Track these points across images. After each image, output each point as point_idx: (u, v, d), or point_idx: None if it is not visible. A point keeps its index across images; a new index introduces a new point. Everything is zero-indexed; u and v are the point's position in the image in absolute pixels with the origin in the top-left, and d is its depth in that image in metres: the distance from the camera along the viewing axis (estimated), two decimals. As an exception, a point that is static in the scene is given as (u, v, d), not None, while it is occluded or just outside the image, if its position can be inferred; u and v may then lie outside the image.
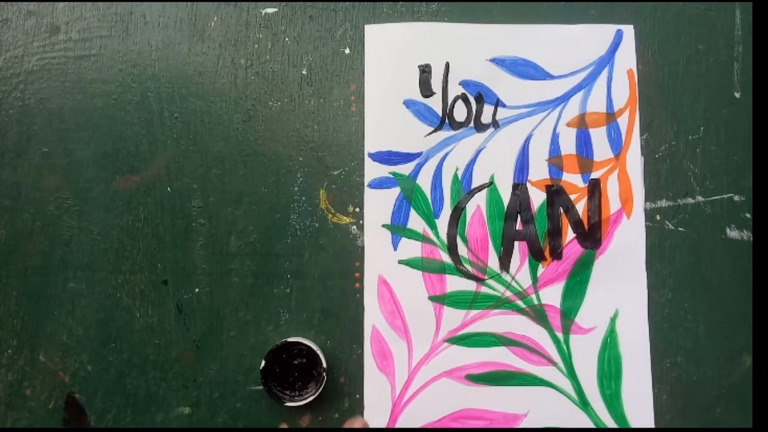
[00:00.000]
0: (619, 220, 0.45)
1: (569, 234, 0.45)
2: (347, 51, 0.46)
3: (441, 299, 0.44)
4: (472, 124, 0.45)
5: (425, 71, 0.45)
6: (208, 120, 0.45)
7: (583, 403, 0.43)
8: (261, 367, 0.41)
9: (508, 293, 0.44)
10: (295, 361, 0.42)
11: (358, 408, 0.43)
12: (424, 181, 0.45)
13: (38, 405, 0.43)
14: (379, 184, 0.45)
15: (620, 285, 0.44)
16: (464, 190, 0.45)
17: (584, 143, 0.45)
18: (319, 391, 0.41)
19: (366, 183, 0.45)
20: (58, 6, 0.46)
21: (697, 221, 0.45)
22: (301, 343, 0.42)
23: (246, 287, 0.44)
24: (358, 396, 0.43)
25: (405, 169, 0.45)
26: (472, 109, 0.45)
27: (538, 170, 0.45)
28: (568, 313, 0.44)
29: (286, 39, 0.46)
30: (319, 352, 0.41)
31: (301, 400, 0.41)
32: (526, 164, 0.45)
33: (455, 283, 0.44)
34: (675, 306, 0.44)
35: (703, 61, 0.46)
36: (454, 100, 0.45)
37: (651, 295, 0.44)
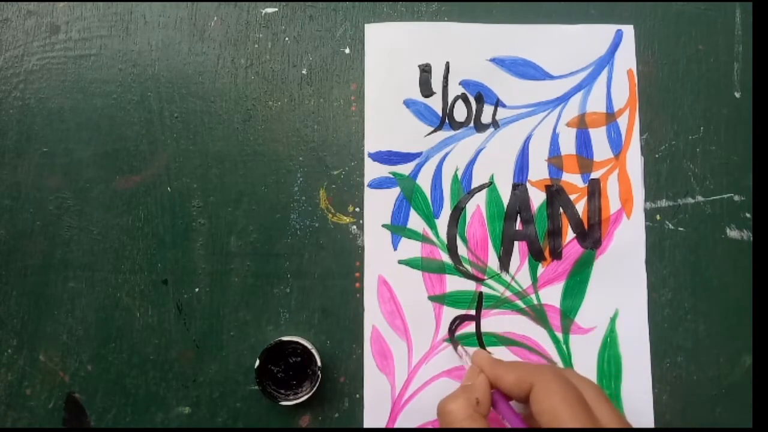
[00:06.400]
0: (619, 220, 0.45)
1: (569, 234, 0.45)
2: (347, 51, 0.46)
3: (441, 299, 0.44)
4: (472, 124, 0.45)
5: (425, 71, 0.45)
6: (208, 120, 0.45)
7: (583, 403, 0.43)
8: (255, 367, 0.41)
9: (508, 293, 0.44)
10: (290, 360, 0.42)
11: (358, 407, 0.43)
12: (424, 181, 0.45)
13: (38, 405, 0.43)
14: (379, 184, 0.45)
15: (620, 285, 0.44)
16: (464, 190, 0.45)
17: (584, 143, 0.45)
18: (314, 389, 0.41)
19: (366, 183, 0.45)
20: (58, 6, 0.46)
21: (697, 221, 0.45)
22: (296, 342, 0.42)
23: (246, 287, 0.44)
24: (358, 396, 0.43)
25: (405, 169, 0.45)
26: (472, 109, 0.45)
27: (538, 170, 0.45)
28: (567, 313, 0.44)
29: (286, 39, 0.46)
30: (313, 350, 0.41)
31: (296, 399, 0.41)
32: (526, 164, 0.45)
33: (455, 283, 0.44)
34: (675, 306, 0.44)
35: (703, 61, 0.46)
36: (454, 100, 0.45)
37: (651, 295, 0.44)
